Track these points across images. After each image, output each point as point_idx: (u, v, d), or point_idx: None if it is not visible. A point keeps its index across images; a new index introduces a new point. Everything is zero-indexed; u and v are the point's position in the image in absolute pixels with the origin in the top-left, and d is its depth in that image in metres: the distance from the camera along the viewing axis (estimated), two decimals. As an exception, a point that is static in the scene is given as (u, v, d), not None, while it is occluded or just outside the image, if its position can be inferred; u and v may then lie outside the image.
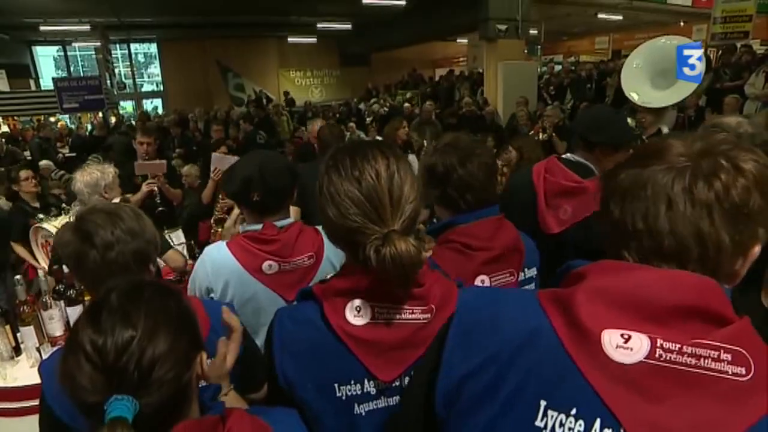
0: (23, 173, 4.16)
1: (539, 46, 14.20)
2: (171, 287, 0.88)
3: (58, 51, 18.09)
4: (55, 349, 2.01)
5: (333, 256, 1.75)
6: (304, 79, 20.21)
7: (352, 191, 0.94)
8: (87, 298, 2.18)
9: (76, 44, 17.39)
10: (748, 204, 0.67)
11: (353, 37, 17.99)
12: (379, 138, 9.21)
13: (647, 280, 0.68)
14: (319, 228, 1.79)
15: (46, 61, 18.16)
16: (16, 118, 12.05)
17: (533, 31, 11.84)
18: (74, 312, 2.23)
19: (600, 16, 15.20)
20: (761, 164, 0.68)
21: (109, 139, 8.55)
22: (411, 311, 0.98)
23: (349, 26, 16.21)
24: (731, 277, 0.73)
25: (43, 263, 3.48)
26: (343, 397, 1.00)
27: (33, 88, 14.87)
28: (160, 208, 3.79)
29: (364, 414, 1.01)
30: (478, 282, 1.45)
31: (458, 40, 18.34)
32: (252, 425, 0.87)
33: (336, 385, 0.99)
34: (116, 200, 2.87)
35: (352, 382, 0.99)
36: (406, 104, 11.79)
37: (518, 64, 9.86)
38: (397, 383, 1.00)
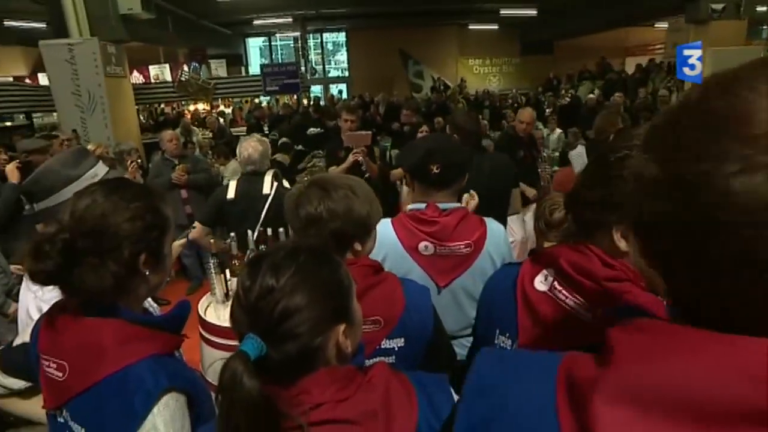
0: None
1: (766, 27, 11.98)
2: (334, 258, 0.91)
3: (263, 42, 20.53)
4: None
5: (494, 250, 1.71)
6: (483, 67, 19.96)
7: None
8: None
9: (278, 35, 19.53)
10: None
11: (537, 24, 17.22)
12: (559, 131, 8.77)
13: (709, 362, 0.41)
14: (487, 219, 1.77)
15: (254, 51, 20.77)
16: (230, 99, 14.03)
17: (762, 8, 9.87)
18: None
19: None
20: None
21: (294, 118, 9.54)
22: (575, 300, 0.99)
23: (534, 12, 15.55)
24: None
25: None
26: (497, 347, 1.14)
27: (243, 74, 17.12)
28: (367, 176, 3.91)
29: None
30: None
31: (656, 25, 16.41)
32: (396, 378, 0.88)
33: (498, 331, 1.14)
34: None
35: (507, 335, 1.12)
36: (591, 95, 10.99)
37: (734, 50, 8.45)
38: None
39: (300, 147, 7.29)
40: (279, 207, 2.83)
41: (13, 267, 3.02)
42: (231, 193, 2.99)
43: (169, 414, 0.98)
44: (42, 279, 1.00)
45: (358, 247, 1.32)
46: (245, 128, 10.88)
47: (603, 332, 0.86)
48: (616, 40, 17.74)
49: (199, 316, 2.50)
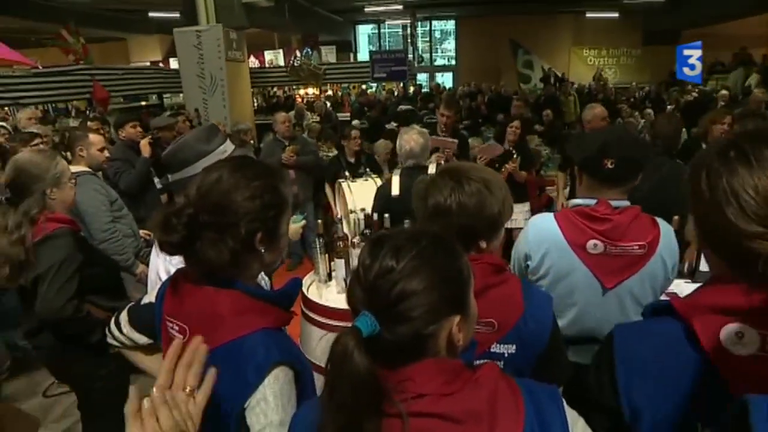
0: (354, 132, 4.86)
1: None
2: (456, 247, 0.88)
3: (372, 29, 20.85)
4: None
5: (667, 254, 1.58)
6: (598, 58, 18.73)
7: None
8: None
9: (387, 22, 19.72)
10: None
11: (664, 11, 15.80)
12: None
13: None
14: (659, 219, 1.63)
15: (363, 38, 21.17)
16: (339, 84, 14.43)
17: None
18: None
19: None
20: None
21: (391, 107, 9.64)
22: None
23: (662, -3, 14.30)
24: None
25: (340, 211, 4.09)
26: None
27: (351, 60, 17.52)
28: None
29: None
30: None
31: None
32: (505, 382, 0.82)
33: (700, 425, 0.83)
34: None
35: None
36: (723, 91, 9.91)
37: None
38: None
39: (395, 125, 7.38)
40: None
41: (142, 231, 3.33)
42: (395, 190, 2.90)
43: (278, 387, 1.01)
44: (168, 249, 1.07)
45: (483, 245, 1.26)
46: (349, 113, 11.17)
47: None
48: (759, 26, 15.76)
49: (303, 293, 2.58)
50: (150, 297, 1.31)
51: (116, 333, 1.36)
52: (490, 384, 0.81)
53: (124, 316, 1.36)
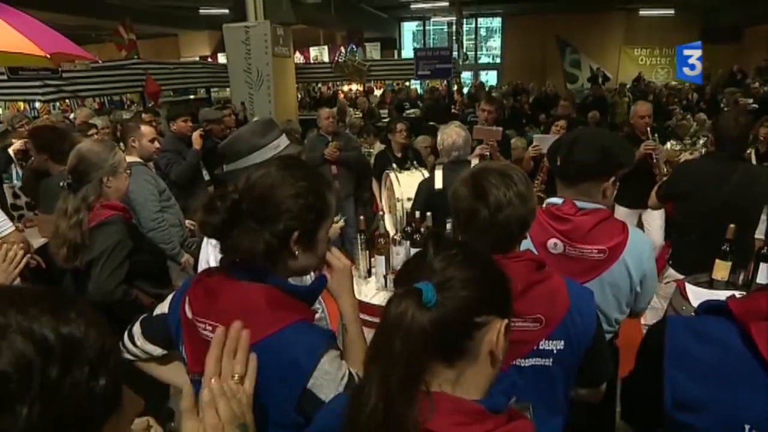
0: (399, 125, 4.83)
1: None
2: (507, 274, 0.88)
3: (417, 26, 20.76)
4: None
5: (633, 264, 1.53)
6: (650, 57, 18.03)
7: None
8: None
9: (433, 19, 19.60)
10: None
11: (726, 6, 15.05)
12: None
13: None
14: (631, 228, 1.60)
15: (407, 35, 21.12)
16: (383, 81, 14.43)
17: None
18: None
19: None
20: None
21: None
22: None
23: (723, -7, 13.61)
24: None
25: (385, 205, 4.09)
26: None
27: (395, 57, 17.53)
28: None
29: None
30: None
31: None
32: None
33: (747, 426, 0.84)
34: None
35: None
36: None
37: None
38: None
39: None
40: None
41: (187, 222, 3.43)
42: (438, 183, 2.94)
43: (331, 358, 1.04)
44: (208, 231, 1.09)
45: (525, 236, 1.29)
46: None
47: None
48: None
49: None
50: (162, 308, 1.29)
51: (130, 346, 1.33)
52: None
53: (137, 329, 1.33)
